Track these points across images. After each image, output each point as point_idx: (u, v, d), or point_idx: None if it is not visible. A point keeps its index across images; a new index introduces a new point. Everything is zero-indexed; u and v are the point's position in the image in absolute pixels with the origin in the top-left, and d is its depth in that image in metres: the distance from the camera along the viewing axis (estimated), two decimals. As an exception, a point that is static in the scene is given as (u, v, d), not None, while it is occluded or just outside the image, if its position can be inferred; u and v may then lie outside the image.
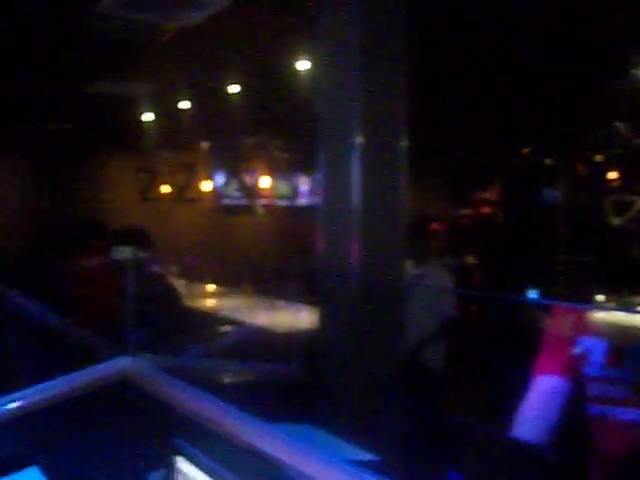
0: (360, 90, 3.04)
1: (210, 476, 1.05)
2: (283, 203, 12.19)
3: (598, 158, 10.56)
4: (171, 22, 5.01)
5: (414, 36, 3.15)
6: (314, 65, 5.99)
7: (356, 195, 2.99)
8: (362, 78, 3.03)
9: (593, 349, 2.43)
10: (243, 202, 12.20)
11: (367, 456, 1.41)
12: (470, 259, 11.17)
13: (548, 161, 11.93)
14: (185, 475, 1.12)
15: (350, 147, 3.02)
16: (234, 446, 1.14)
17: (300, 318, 6.74)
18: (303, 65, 6.29)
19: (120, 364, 1.66)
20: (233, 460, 1.10)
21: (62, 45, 5.91)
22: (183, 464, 1.12)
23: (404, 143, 3.20)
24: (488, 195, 13.04)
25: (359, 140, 3.01)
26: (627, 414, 2.34)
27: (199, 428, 1.24)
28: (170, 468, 1.15)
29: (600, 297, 3.91)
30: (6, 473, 1.61)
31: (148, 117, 9.39)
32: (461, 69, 6.63)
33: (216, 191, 12.09)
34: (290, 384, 3.02)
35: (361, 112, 3.03)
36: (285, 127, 9.57)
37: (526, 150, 11.75)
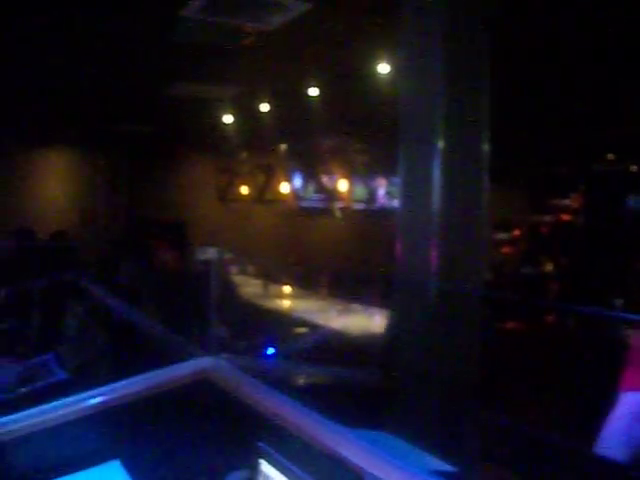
0: (443, 95, 3.01)
1: (285, 475, 1.05)
2: (360, 206, 12.18)
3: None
4: (255, 26, 5.07)
5: (499, 43, 3.11)
6: (396, 69, 5.96)
7: (436, 200, 2.96)
8: (445, 83, 3.00)
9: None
10: (321, 204, 12.23)
11: (443, 466, 1.39)
12: (549, 267, 10.94)
13: (634, 167, 11.56)
14: (268, 478, 1.12)
15: (432, 152, 3.00)
16: (314, 450, 1.14)
17: (376, 322, 6.71)
18: (384, 68, 6.28)
19: (201, 364, 1.69)
20: (313, 464, 1.10)
21: (148, 48, 6.05)
22: (266, 467, 1.12)
23: (486, 148, 3.15)
24: (570, 202, 12.73)
25: (441, 145, 2.98)
26: None
27: (279, 430, 1.24)
28: (254, 471, 1.16)
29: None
30: (88, 466, 1.66)
31: (229, 119, 9.53)
32: (545, 73, 6.49)
33: (294, 193, 12.16)
34: (366, 389, 3.00)
35: (443, 117, 3.00)
36: (364, 130, 9.56)
37: (611, 156, 11.42)
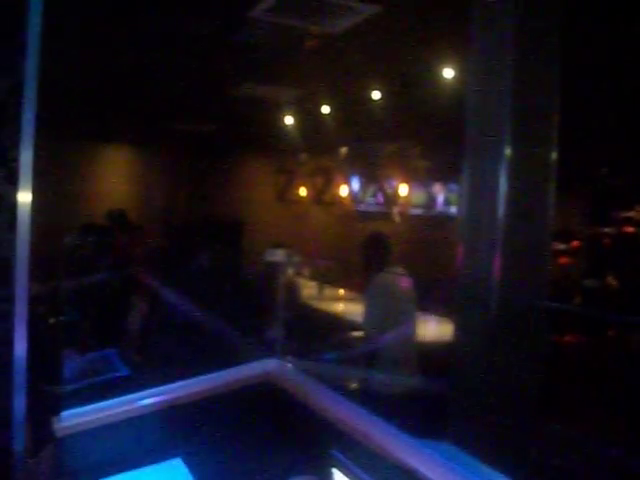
0: (511, 102, 2.96)
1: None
2: (418, 212, 12.09)
3: None
4: (321, 28, 5.08)
5: (569, 52, 3.05)
6: (461, 74, 5.90)
7: (501, 208, 2.91)
8: (514, 89, 2.95)
9: None
10: (379, 208, 12.19)
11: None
12: (611, 280, 10.68)
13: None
14: (341, 486, 1.11)
15: (498, 159, 2.95)
16: (385, 460, 1.13)
17: (434, 330, 6.65)
18: (449, 73, 6.22)
19: (266, 365, 1.69)
20: (385, 475, 1.09)
21: (214, 47, 6.11)
22: (340, 477, 1.11)
23: (554, 156, 3.09)
24: (634, 214, 12.42)
25: (507, 152, 2.93)
26: None
27: (350, 438, 1.23)
28: (325, 479, 1.15)
29: None
30: (150, 463, 1.67)
31: (290, 121, 9.57)
32: (611, 80, 6.35)
33: (352, 196, 12.15)
34: (428, 398, 2.97)
35: (511, 123, 2.95)
36: (425, 136, 9.49)
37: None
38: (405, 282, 5.39)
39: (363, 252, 5.40)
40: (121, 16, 5.13)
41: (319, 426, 1.37)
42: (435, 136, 9.07)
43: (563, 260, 11.73)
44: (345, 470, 1.09)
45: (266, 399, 1.66)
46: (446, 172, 11.21)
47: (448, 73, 6.29)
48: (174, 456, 1.70)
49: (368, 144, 10.96)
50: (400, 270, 5.44)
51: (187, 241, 9.17)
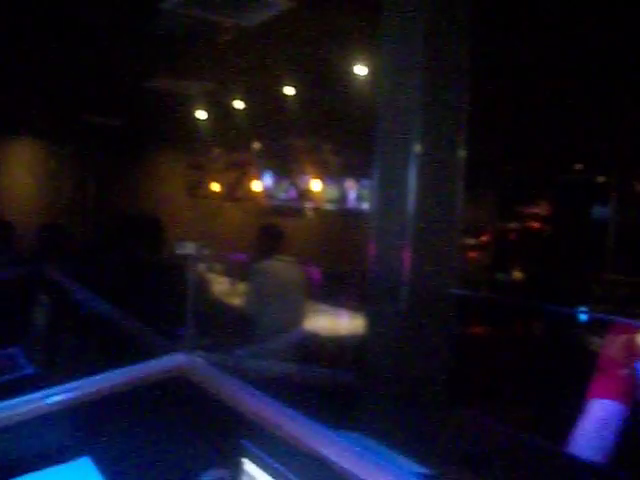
0: (421, 98, 3.01)
1: (271, 475, 1.04)
2: (331, 207, 12.20)
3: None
4: (235, 22, 5.05)
5: (476, 51, 3.13)
6: (373, 70, 5.97)
7: (411, 203, 2.97)
8: (424, 86, 3.00)
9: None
10: (292, 204, 12.24)
11: (419, 468, 1.39)
12: (518, 274, 11.05)
13: (601, 178, 11.74)
14: (251, 477, 1.11)
15: (408, 155, 3.00)
16: (298, 450, 1.13)
17: (345, 323, 6.72)
18: (361, 70, 6.29)
19: (177, 360, 1.67)
20: (297, 464, 1.09)
21: (123, 39, 6.00)
22: (250, 466, 1.11)
23: (462, 153, 3.16)
24: (538, 210, 12.88)
25: (417, 148, 2.99)
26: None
27: (261, 429, 1.23)
28: (236, 469, 1.15)
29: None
30: (58, 462, 1.63)
31: (202, 115, 9.47)
32: (509, 80, 6.57)
33: (266, 192, 12.15)
34: (338, 389, 3.00)
35: (421, 120, 3.01)
36: (338, 132, 9.57)
37: (578, 166, 11.59)
38: (293, 270, 5.72)
39: (255, 241, 5.77)
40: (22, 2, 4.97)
41: (230, 418, 1.37)
42: (348, 132, 9.17)
43: (473, 254, 12.08)
44: (255, 459, 1.10)
45: (176, 394, 1.64)
46: (358, 168, 11.34)
47: (361, 70, 6.36)
48: (82, 455, 1.66)
49: (282, 139, 10.97)
50: (290, 259, 5.78)
51: (97, 236, 8.96)
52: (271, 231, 5.95)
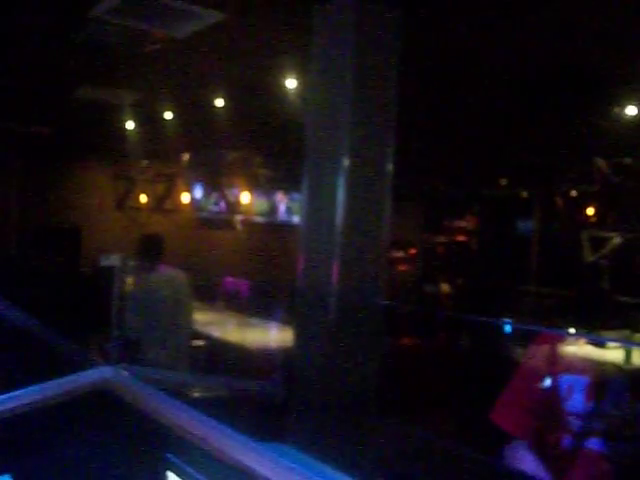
0: (350, 112, 3.06)
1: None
2: (260, 219, 12.20)
3: (574, 193, 10.69)
4: (164, 32, 5.01)
5: (408, 68, 3.20)
6: (303, 84, 6.01)
7: (340, 216, 3.00)
8: (352, 100, 3.05)
9: (569, 383, 2.46)
10: (221, 216, 12.18)
11: (344, 478, 1.41)
12: (445, 286, 11.24)
13: (524, 193, 12.07)
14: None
15: (337, 168, 3.04)
16: (222, 462, 1.13)
17: (274, 336, 6.72)
18: (291, 83, 6.32)
19: (100, 373, 1.64)
20: (222, 476, 1.09)
21: (50, 47, 5.88)
22: (174, 478, 1.10)
23: (390, 167, 3.22)
24: (464, 223, 13.16)
25: (346, 162, 3.03)
26: (601, 445, 2.38)
27: (186, 442, 1.23)
28: (159, 483, 1.14)
29: (571, 330, 3.95)
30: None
31: (131, 125, 9.33)
32: (437, 98, 6.70)
33: (195, 204, 12.06)
34: (266, 401, 3.01)
35: (350, 134, 3.05)
36: (268, 144, 9.59)
37: (503, 181, 11.88)
38: (177, 280, 5.66)
39: (135, 250, 5.62)
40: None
41: (154, 432, 1.36)
42: (278, 145, 9.19)
43: (401, 267, 12.24)
44: (180, 472, 1.09)
45: (100, 408, 1.61)
46: (288, 181, 11.38)
47: (292, 83, 6.39)
48: (3, 473, 1.61)
49: (211, 151, 10.92)
50: (172, 269, 5.73)
51: (18, 248, 8.72)
52: (152, 240, 5.78)
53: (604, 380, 2.56)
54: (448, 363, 6.96)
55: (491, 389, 2.75)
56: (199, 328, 6.72)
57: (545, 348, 2.68)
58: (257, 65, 6.06)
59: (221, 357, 6.17)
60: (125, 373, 1.63)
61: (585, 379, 2.48)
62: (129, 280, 5.46)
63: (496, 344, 5.85)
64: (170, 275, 5.63)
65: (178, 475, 1.10)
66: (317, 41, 3.24)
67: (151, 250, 5.57)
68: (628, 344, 5.47)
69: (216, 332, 6.90)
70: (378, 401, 2.71)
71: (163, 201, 12.03)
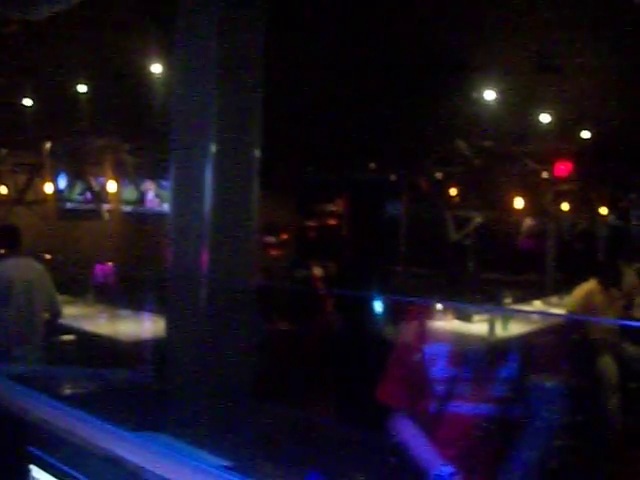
0: (215, 98, 3.04)
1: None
2: (129, 208, 11.94)
3: (439, 175, 11.08)
4: (21, 14, 4.79)
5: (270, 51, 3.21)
6: (169, 69, 5.91)
7: (208, 203, 2.98)
8: (218, 86, 3.03)
9: (437, 354, 2.60)
10: (88, 206, 11.82)
11: (219, 461, 1.42)
12: (317, 270, 11.36)
13: (393, 176, 12.38)
14: (41, 483, 1.08)
15: (203, 155, 3.02)
16: (91, 452, 1.11)
17: (145, 327, 6.61)
18: (157, 68, 6.20)
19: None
20: (90, 466, 1.08)
21: None
22: (38, 472, 1.08)
23: (258, 153, 3.23)
24: (335, 207, 13.37)
25: (213, 148, 3.01)
26: (467, 408, 2.54)
27: (52, 434, 1.20)
28: (25, 477, 1.11)
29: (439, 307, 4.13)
30: None
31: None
32: (305, 84, 6.77)
33: (59, 194, 11.63)
34: (138, 391, 2.97)
35: (216, 120, 3.03)
36: (134, 131, 9.37)
37: (372, 165, 12.14)
38: (33, 270, 5.62)
39: None
40: None
41: (17, 426, 1.32)
42: (145, 132, 9.00)
43: (274, 252, 12.29)
44: (43, 465, 1.07)
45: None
46: (157, 169, 11.17)
47: (158, 68, 6.27)
48: None
49: (76, 139, 10.55)
50: (28, 259, 5.71)
51: None
52: (4, 231, 5.82)
53: (465, 348, 2.72)
54: (325, 345, 7.08)
55: (371, 368, 2.85)
56: (69, 322, 6.52)
57: (415, 323, 2.81)
58: (121, 50, 5.91)
59: (93, 351, 6.03)
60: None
61: (448, 348, 2.63)
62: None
63: (374, 323, 5.99)
64: (26, 265, 5.58)
65: (41, 468, 1.08)
66: (181, 24, 3.20)
67: (4, 240, 5.56)
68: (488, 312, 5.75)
69: (87, 325, 6.72)
70: (258, 386, 2.74)
71: (24, 192, 11.53)
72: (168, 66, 5.91)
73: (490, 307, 5.93)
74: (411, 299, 3.25)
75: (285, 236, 12.66)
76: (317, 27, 5.21)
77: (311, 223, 13.33)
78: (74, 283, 8.44)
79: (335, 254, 12.22)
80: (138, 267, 9.74)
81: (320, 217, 13.35)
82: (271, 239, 12.14)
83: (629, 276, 6.83)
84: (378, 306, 6.19)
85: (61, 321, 5.98)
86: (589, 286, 6.31)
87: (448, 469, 2.40)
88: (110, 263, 9.31)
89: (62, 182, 11.71)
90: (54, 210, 11.55)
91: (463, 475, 2.41)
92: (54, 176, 11.56)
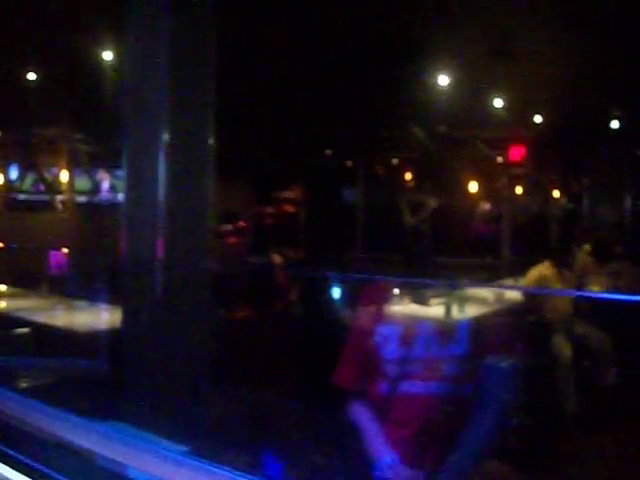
0: (168, 86, 3.02)
1: (26, 475, 1.02)
2: (83, 199, 11.77)
3: (395, 161, 11.16)
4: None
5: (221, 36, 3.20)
6: (121, 57, 5.84)
7: (162, 191, 2.98)
8: (170, 74, 3.01)
9: (391, 336, 2.64)
10: (39, 197, 11.62)
11: (176, 446, 1.44)
12: (275, 256, 11.35)
13: (349, 163, 12.43)
14: (-2, 475, 1.08)
15: (157, 144, 3.00)
16: (46, 441, 1.12)
17: (100, 317, 6.55)
18: (108, 56, 6.13)
19: None
20: (50, 457, 1.08)
21: None
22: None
23: (212, 141, 3.22)
24: (291, 194, 13.36)
25: (166, 137, 3.00)
26: (420, 388, 2.59)
27: (11, 427, 1.20)
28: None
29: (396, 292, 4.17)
30: None
31: None
32: (261, 71, 6.76)
33: (9, 185, 11.41)
34: (95, 380, 2.96)
35: (169, 108, 3.02)
36: (87, 120, 9.24)
37: (329, 152, 12.17)
38: None
39: None
40: None
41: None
42: (98, 121, 8.87)
43: (231, 240, 12.24)
44: (1, 456, 1.07)
45: None
46: (110, 158, 11.03)
47: (109, 56, 6.20)
48: None
49: (26, 128, 10.35)
50: None
51: None
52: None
53: (420, 330, 2.76)
54: (283, 329, 7.10)
55: (328, 351, 2.88)
56: (22, 315, 6.42)
57: (371, 307, 2.85)
58: (72, 37, 5.82)
59: (49, 343, 5.96)
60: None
61: (403, 330, 2.68)
62: None
63: (332, 307, 6.01)
64: None
65: (4, 463, 1.08)
66: (133, 15, 3.17)
67: None
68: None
69: (41, 318, 6.63)
70: (218, 371, 2.75)
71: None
72: (120, 54, 5.84)
73: (443, 282, 6.01)
74: (367, 277, 3.28)
75: (243, 224, 12.63)
76: (272, 13, 5.19)
77: (268, 210, 13.31)
78: (28, 275, 8.31)
79: (293, 241, 12.24)
80: (93, 258, 9.62)
81: (277, 204, 13.34)
82: (228, 227, 12.10)
83: (580, 257, 6.97)
84: (336, 290, 6.21)
85: (16, 314, 5.90)
86: (542, 268, 6.43)
87: (389, 458, 2.45)
88: (65, 255, 9.19)
89: (13, 173, 11.50)
90: (4, 202, 11.32)
91: (413, 456, 2.46)
92: (5, 167, 11.34)
